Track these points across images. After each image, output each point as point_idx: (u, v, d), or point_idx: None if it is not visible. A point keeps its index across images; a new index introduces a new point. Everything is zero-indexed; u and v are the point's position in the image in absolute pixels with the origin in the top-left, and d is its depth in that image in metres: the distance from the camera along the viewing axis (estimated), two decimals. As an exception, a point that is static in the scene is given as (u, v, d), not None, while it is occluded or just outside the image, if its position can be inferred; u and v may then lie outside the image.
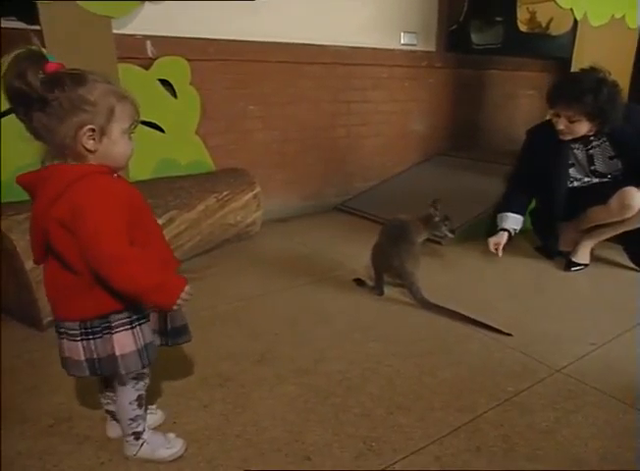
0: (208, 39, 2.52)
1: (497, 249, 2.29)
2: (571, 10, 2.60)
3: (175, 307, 0.99)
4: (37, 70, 0.89)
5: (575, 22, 2.69)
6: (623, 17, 2.79)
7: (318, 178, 3.22)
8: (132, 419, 1.13)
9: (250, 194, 2.48)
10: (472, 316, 1.80)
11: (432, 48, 3.45)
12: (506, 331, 1.73)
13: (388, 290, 2.05)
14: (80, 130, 0.93)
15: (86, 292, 0.99)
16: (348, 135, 3.24)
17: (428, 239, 2.54)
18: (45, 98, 0.90)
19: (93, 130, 0.94)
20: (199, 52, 2.46)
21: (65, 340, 1.04)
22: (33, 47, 0.94)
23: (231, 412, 1.33)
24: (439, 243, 2.61)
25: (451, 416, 1.32)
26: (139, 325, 1.05)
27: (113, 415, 1.22)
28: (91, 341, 1.02)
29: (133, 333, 1.04)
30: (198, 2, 2.43)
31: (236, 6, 2.56)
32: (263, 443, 1.22)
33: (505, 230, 2.34)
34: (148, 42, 2.38)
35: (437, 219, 2.09)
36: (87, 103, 0.93)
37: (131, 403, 1.12)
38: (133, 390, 1.12)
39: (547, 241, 2.51)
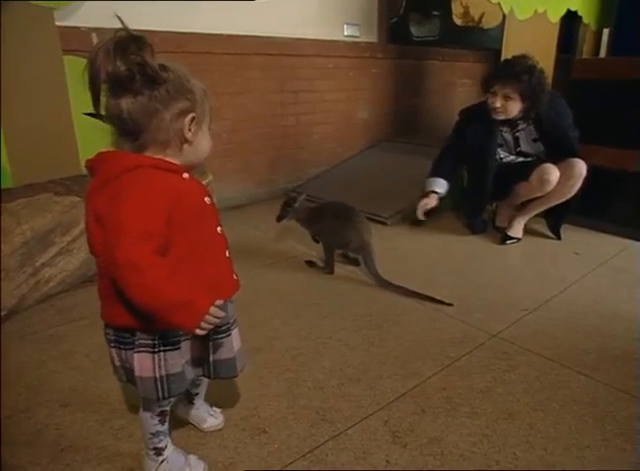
0: (153, 31, 2.40)
1: (425, 210, 2.40)
2: (499, 4, 2.66)
3: (199, 331, 0.82)
4: (150, 51, 0.77)
5: (504, 16, 2.75)
6: (545, 12, 2.89)
7: (270, 165, 3.16)
8: (152, 434, 1.00)
9: (203, 183, 2.42)
10: (416, 290, 1.82)
11: (374, 39, 3.43)
12: (447, 301, 1.76)
13: (337, 269, 2.05)
14: (185, 118, 0.83)
15: (116, 299, 0.85)
16: (298, 124, 3.20)
17: (374, 220, 2.57)
18: (157, 80, 0.79)
19: (194, 119, 0.84)
20: (145, 43, 2.36)
21: (106, 342, 0.94)
22: (127, 30, 0.79)
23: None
24: (384, 224, 2.64)
25: (398, 383, 1.33)
26: (163, 352, 0.89)
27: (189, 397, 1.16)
28: (122, 351, 0.91)
29: (154, 358, 0.89)
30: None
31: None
32: (220, 419, 1.20)
33: (434, 192, 2.41)
34: (94, 34, 2.24)
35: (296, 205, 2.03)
36: (188, 91, 0.84)
37: (152, 418, 0.99)
38: (155, 404, 0.97)
39: (473, 218, 2.56)
